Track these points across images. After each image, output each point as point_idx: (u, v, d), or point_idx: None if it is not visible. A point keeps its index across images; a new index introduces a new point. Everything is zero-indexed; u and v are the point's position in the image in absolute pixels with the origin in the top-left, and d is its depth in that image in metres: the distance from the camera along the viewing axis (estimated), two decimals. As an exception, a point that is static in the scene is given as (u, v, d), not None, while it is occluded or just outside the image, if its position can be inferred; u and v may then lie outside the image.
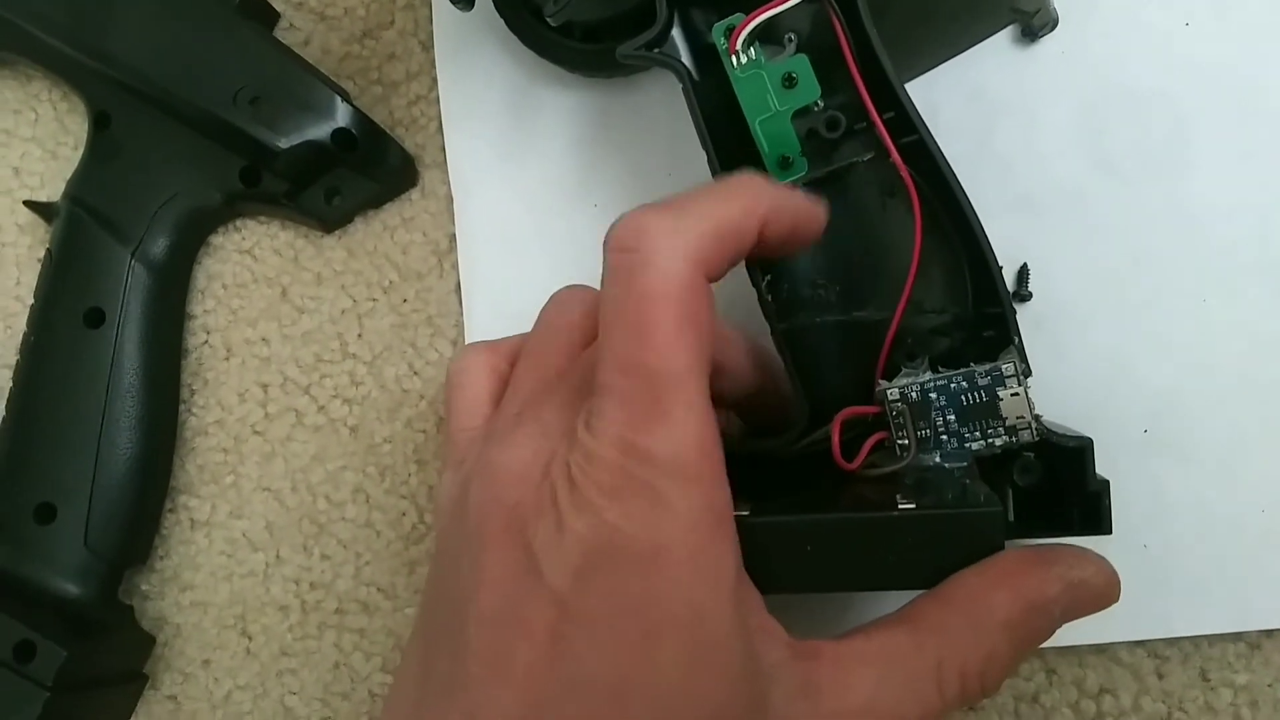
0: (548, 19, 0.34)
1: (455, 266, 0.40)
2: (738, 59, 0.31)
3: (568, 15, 0.34)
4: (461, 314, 0.40)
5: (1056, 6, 0.38)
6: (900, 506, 0.27)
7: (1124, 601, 0.35)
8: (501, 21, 0.39)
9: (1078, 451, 0.30)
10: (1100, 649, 0.36)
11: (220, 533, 0.39)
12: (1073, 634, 0.35)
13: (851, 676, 0.26)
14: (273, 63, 0.39)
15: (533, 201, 0.40)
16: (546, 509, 0.24)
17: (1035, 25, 0.38)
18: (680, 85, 0.32)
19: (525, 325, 0.38)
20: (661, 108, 0.40)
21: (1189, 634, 0.36)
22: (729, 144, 0.32)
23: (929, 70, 0.39)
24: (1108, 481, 0.30)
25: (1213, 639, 0.36)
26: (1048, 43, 0.39)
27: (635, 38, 0.32)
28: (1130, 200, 0.38)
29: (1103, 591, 0.29)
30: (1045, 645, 0.35)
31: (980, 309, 0.32)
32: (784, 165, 0.32)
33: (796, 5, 0.31)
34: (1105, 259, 0.38)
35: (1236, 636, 0.36)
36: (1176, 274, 0.37)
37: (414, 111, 0.42)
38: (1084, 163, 0.38)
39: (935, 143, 0.31)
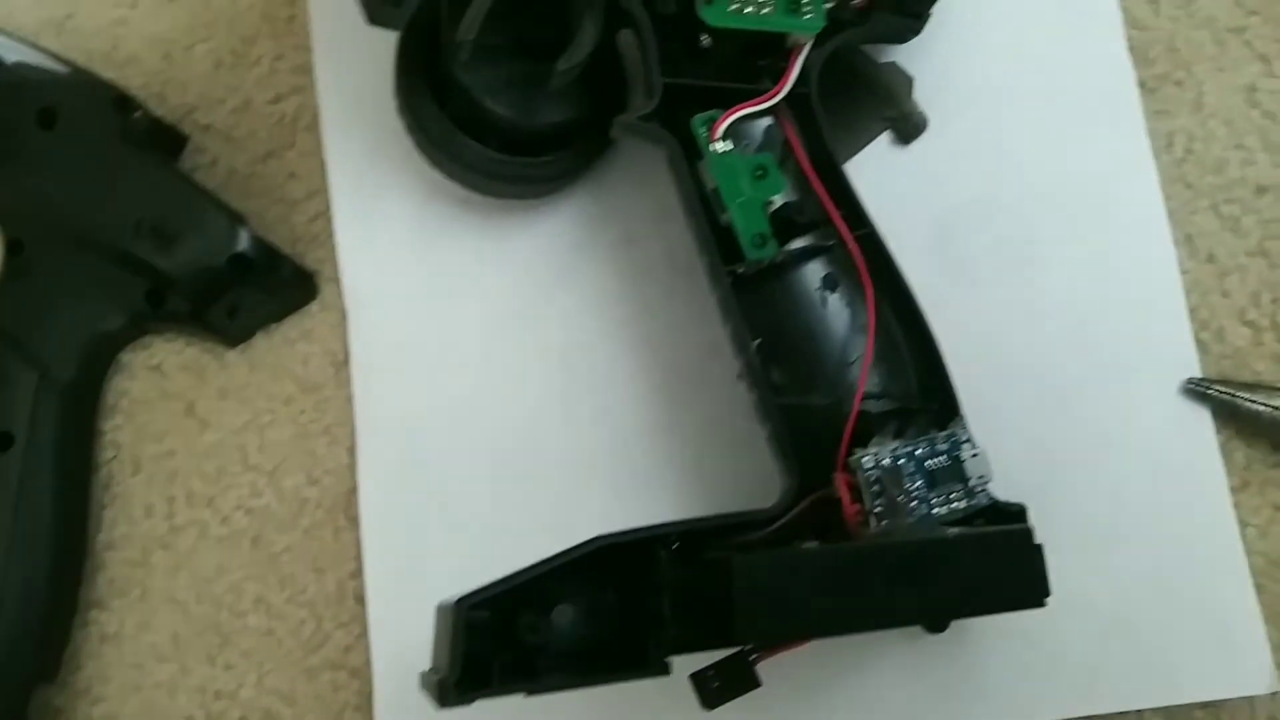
0: (557, 74, 0.36)
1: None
2: (717, 147, 0.34)
3: (569, 77, 0.36)
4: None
5: (924, 110, 0.41)
6: (950, 532, 0.29)
7: (980, 686, 0.38)
8: (399, 140, 0.40)
9: (1019, 514, 0.34)
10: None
11: (129, 645, 0.41)
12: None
13: None
14: (172, 192, 0.41)
15: (424, 315, 0.42)
16: None
17: (907, 129, 0.41)
18: (669, 163, 0.35)
19: (417, 435, 0.41)
20: (550, 228, 0.42)
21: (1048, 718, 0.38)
22: (701, 225, 0.35)
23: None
24: (1041, 546, 0.32)
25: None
26: (903, 152, 0.41)
27: (628, 112, 0.35)
28: (984, 302, 0.40)
29: None
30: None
31: (926, 386, 0.35)
32: (759, 244, 0.34)
33: (761, 111, 0.35)
34: (959, 358, 0.40)
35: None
36: (1026, 371, 0.40)
37: (314, 228, 0.44)
38: (937, 268, 0.40)
39: (882, 235, 0.35)
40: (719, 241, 0.34)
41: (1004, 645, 0.38)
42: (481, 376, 0.41)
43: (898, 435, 0.34)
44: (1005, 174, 0.41)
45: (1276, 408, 0.38)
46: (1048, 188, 0.40)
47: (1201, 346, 0.40)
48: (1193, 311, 0.40)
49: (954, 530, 0.29)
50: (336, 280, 0.43)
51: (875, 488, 0.32)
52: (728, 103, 0.35)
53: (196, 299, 0.42)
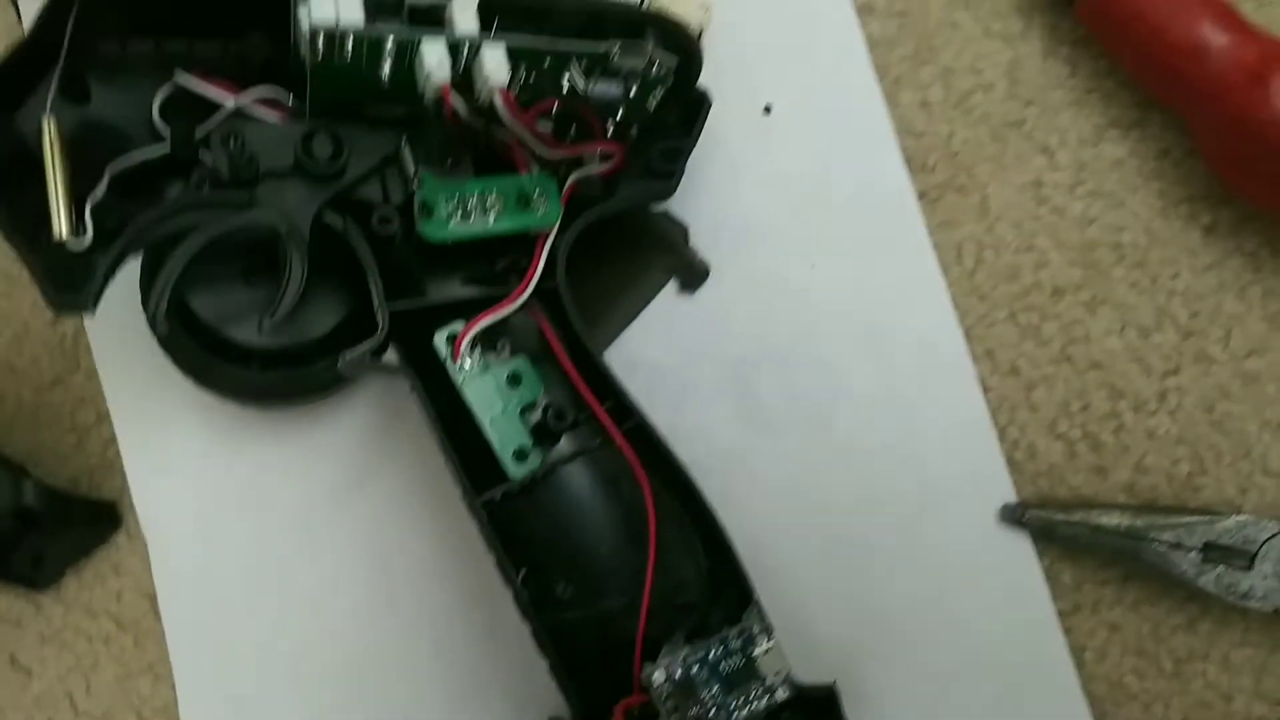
0: (261, 329, 0.35)
1: (166, 611, 0.41)
2: (461, 364, 0.33)
3: (279, 332, 0.35)
4: (177, 659, 0.41)
5: (705, 257, 0.39)
6: None
7: None
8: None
9: (828, 700, 0.32)
10: None
11: None
12: None
13: None
14: (-54, 454, 0.40)
15: (226, 534, 0.41)
16: None
17: (690, 278, 0.40)
18: (412, 391, 0.33)
19: (234, 665, 0.40)
20: (346, 423, 0.41)
21: None
22: (460, 441, 0.33)
23: (606, 348, 0.40)
24: None
25: None
26: (693, 308, 0.40)
27: (355, 347, 0.33)
28: (785, 451, 0.39)
29: None
30: None
31: (716, 574, 0.33)
32: (520, 458, 0.33)
33: (511, 314, 0.33)
34: (768, 514, 0.39)
35: None
36: (838, 518, 0.38)
37: (109, 454, 0.43)
38: (736, 421, 0.39)
39: (653, 425, 0.33)
40: (468, 468, 0.33)
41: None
42: (293, 591, 0.40)
43: (691, 637, 0.32)
44: (794, 314, 0.39)
45: (1095, 528, 0.37)
46: (838, 322, 0.39)
47: (1015, 466, 0.38)
48: (1002, 431, 0.38)
49: None
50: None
51: (669, 703, 0.31)
52: (470, 313, 0.33)
53: (-5, 554, 0.41)
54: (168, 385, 0.40)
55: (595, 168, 0.35)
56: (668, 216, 0.39)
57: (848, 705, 0.37)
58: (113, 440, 0.43)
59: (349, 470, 0.41)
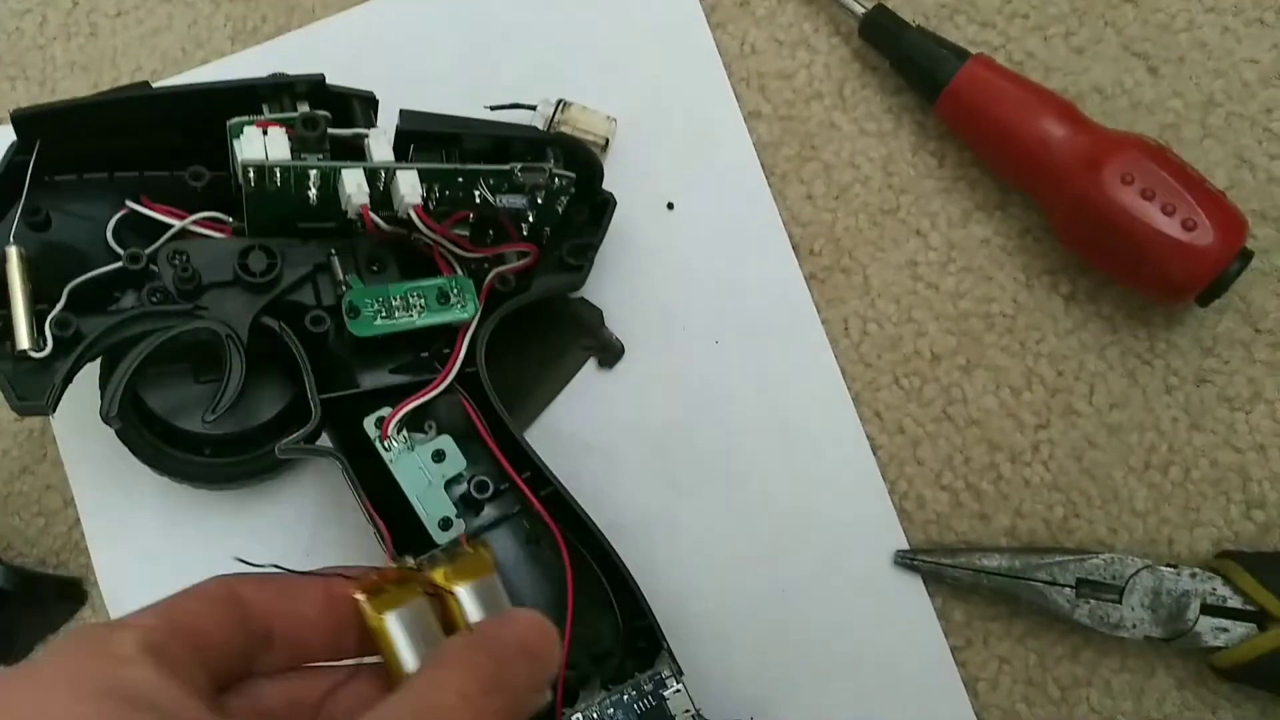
0: (204, 422, 0.37)
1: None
2: (390, 444, 0.36)
3: (226, 422, 0.38)
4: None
5: (619, 336, 0.43)
6: None
7: None
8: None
9: None
10: None
11: None
12: None
13: None
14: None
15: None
16: None
17: (606, 356, 0.43)
18: (342, 473, 0.36)
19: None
20: (295, 498, 0.44)
21: None
22: (394, 511, 0.36)
23: (533, 420, 0.44)
24: None
25: None
26: (613, 383, 0.44)
27: (289, 436, 0.36)
28: (704, 514, 0.42)
29: (538, 651, 0.29)
30: None
31: (630, 624, 0.37)
32: (445, 526, 0.36)
33: (435, 397, 0.37)
34: (689, 570, 0.42)
35: None
36: (751, 575, 0.42)
37: (74, 534, 0.46)
38: (658, 485, 0.43)
39: (568, 491, 0.37)
40: (398, 535, 0.35)
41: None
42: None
43: (607, 683, 0.36)
44: (702, 387, 0.43)
45: (978, 570, 0.40)
46: (742, 393, 0.43)
47: (906, 516, 0.42)
48: (893, 484, 0.42)
49: None
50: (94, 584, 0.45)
51: None
52: (398, 398, 0.37)
53: (-39, 639, 0.43)
54: (128, 471, 0.44)
55: (512, 264, 0.39)
56: (584, 301, 0.43)
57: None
58: (77, 523, 0.46)
59: (299, 541, 0.44)
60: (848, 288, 0.44)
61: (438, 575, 0.31)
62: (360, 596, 0.29)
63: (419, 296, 0.37)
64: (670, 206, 0.44)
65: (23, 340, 0.34)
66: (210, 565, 0.44)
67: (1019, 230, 0.43)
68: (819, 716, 0.41)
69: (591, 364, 0.44)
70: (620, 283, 0.44)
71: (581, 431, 0.44)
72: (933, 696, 0.41)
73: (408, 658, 0.28)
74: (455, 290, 0.38)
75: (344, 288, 0.36)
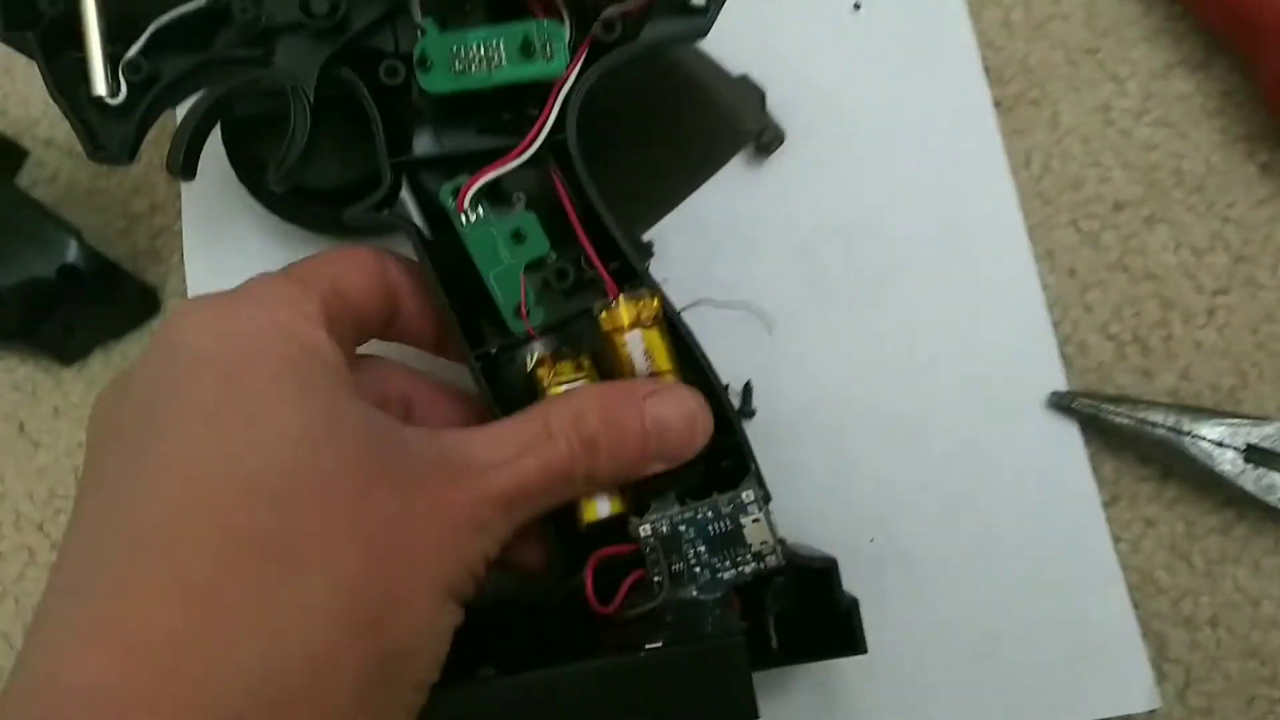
0: (271, 185, 0.34)
1: (193, 400, 0.40)
2: (466, 217, 0.32)
3: (291, 182, 0.34)
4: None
5: (781, 122, 0.40)
6: (647, 647, 0.27)
7: (854, 716, 0.36)
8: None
9: (823, 572, 0.31)
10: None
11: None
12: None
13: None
14: (3, 203, 0.39)
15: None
16: None
17: (766, 142, 0.41)
18: (412, 244, 0.32)
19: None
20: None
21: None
22: (469, 296, 0.32)
23: (677, 206, 0.41)
24: (856, 600, 0.30)
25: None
26: (765, 174, 0.41)
27: (359, 202, 0.32)
28: (849, 321, 0.39)
29: (684, 439, 0.30)
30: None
31: (716, 439, 0.32)
32: (520, 314, 0.32)
33: (522, 166, 0.32)
34: (828, 377, 0.39)
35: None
36: (895, 389, 0.39)
37: (157, 243, 0.42)
38: (799, 285, 0.40)
39: (660, 289, 0.32)
40: (468, 322, 0.32)
41: (870, 677, 0.36)
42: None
43: (684, 498, 0.32)
44: (863, 193, 0.40)
45: (1141, 420, 0.37)
46: (908, 205, 0.40)
47: (1066, 360, 0.39)
48: (1056, 326, 0.39)
49: (650, 649, 0.27)
50: (179, 296, 0.41)
51: (652, 555, 0.30)
52: (479, 165, 0.32)
53: (26, 314, 0.39)
54: (237, 198, 0.40)
55: (621, 4, 0.32)
56: (748, 80, 0.41)
57: (883, 562, 0.37)
58: (162, 232, 0.43)
59: None
60: (1035, 121, 0.41)
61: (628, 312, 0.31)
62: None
63: (501, 46, 0.32)
64: (856, 7, 0.42)
65: (98, 85, 0.31)
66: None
67: (1220, 91, 0.41)
68: (942, 547, 0.37)
69: (742, 154, 0.41)
70: (791, 73, 0.41)
71: (722, 216, 0.40)
72: (1074, 548, 0.37)
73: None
74: (542, 39, 0.32)
75: (420, 33, 0.31)
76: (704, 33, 0.34)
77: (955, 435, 0.38)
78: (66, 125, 0.42)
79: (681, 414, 0.30)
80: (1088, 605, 0.37)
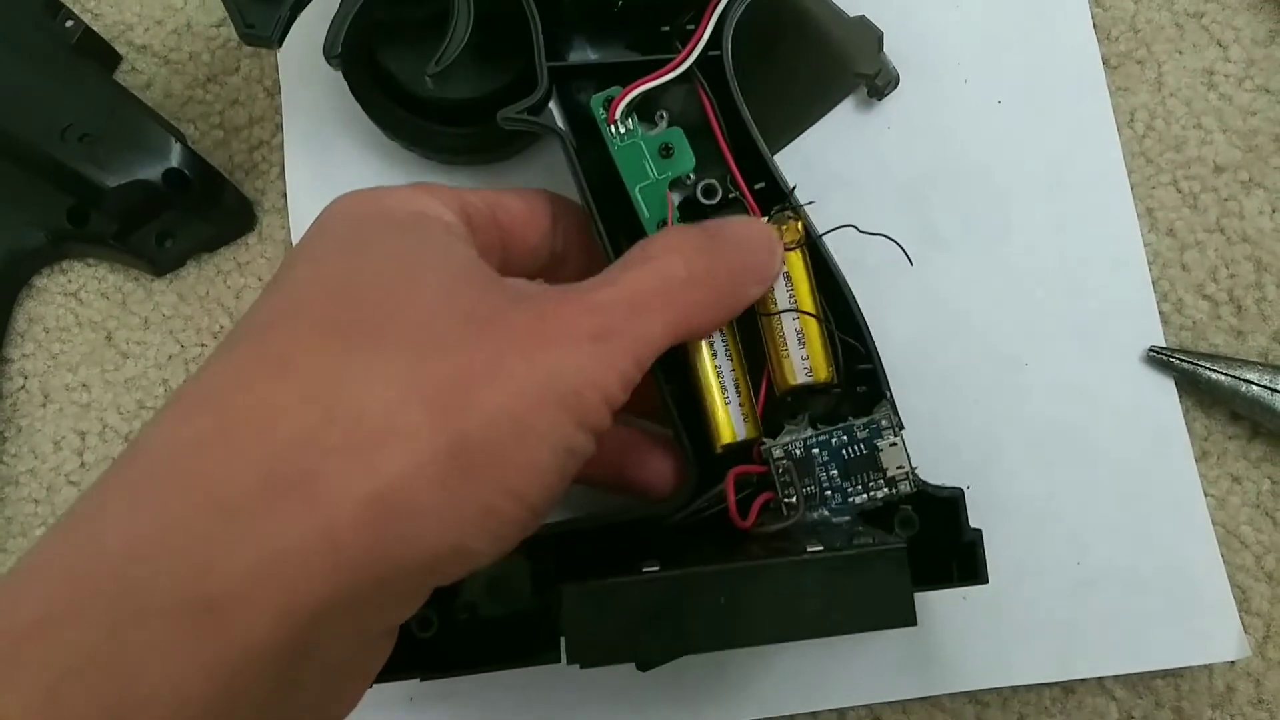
0: (427, 77, 0.33)
1: (290, 313, 0.39)
2: (616, 129, 0.32)
3: (438, 86, 0.34)
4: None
5: (896, 65, 0.41)
6: (809, 550, 0.27)
7: (949, 653, 0.36)
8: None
9: (951, 501, 0.31)
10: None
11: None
12: (900, 688, 0.36)
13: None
14: (106, 101, 0.38)
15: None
16: None
17: (879, 85, 0.41)
18: (561, 152, 0.32)
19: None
20: (518, 174, 0.40)
21: (1012, 684, 0.37)
22: (608, 211, 0.32)
23: (788, 145, 0.41)
24: (980, 531, 0.31)
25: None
26: (876, 119, 0.41)
27: (514, 104, 0.32)
28: (954, 268, 0.40)
29: (766, 249, 0.31)
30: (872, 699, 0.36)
31: (852, 367, 0.32)
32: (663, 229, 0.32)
33: (670, 82, 0.32)
34: (931, 322, 0.39)
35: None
36: (997, 337, 0.39)
37: (255, 156, 0.42)
38: (908, 230, 0.40)
39: (805, 211, 0.32)
40: (611, 236, 0.32)
41: (962, 617, 0.37)
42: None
43: (817, 422, 0.32)
44: (973, 142, 0.40)
45: (1236, 377, 0.38)
46: (1017, 156, 0.40)
47: (1162, 317, 0.40)
48: (1154, 283, 0.40)
49: (812, 551, 0.27)
50: (276, 212, 0.41)
51: (785, 477, 0.31)
52: (632, 77, 0.32)
53: (124, 218, 0.39)
54: (346, 102, 0.40)
55: None
56: (865, 21, 0.41)
57: (978, 507, 0.37)
58: (260, 145, 0.42)
59: None
60: (1140, 80, 0.42)
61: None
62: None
63: None
64: (973, -43, 0.42)
65: None
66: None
67: (1323, 63, 0.42)
68: (1038, 493, 0.38)
69: (853, 97, 0.41)
70: (907, 17, 0.41)
71: (833, 158, 0.41)
72: (1166, 499, 0.38)
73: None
74: None
75: None
76: None
77: (1055, 385, 0.39)
78: (162, 30, 0.42)
79: (755, 229, 0.31)
80: (1179, 555, 0.38)
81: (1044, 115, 0.41)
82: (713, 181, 0.32)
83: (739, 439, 0.31)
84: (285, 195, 0.40)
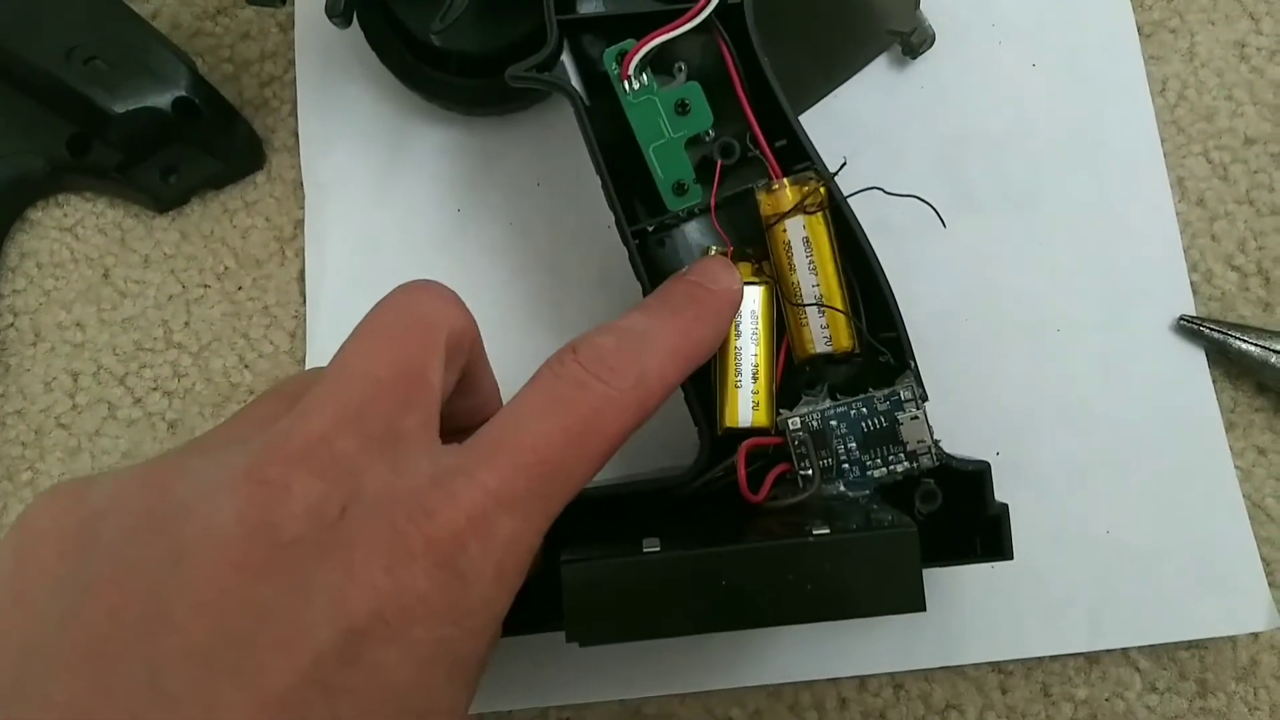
0: (432, 35, 0.32)
1: (300, 254, 0.38)
2: (630, 84, 0.30)
3: (451, 39, 0.32)
4: (303, 304, 0.37)
5: (931, 23, 0.40)
6: (815, 533, 0.25)
7: (973, 623, 0.36)
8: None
9: (976, 475, 0.30)
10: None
11: (11, 531, 0.35)
12: (923, 657, 0.35)
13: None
14: (114, 22, 0.37)
15: (390, 198, 0.39)
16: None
17: (914, 43, 0.40)
18: (572, 109, 0.31)
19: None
20: (535, 125, 0.39)
21: (1036, 654, 0.36)
22: (623, 171, 0.31)
23: (816, 103, 0.40)
24: (1006, 505, 0.29)
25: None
26: (909, 78, 0.40)
27: (522, 62, 0.31)
28: (986, 232, 0.39)
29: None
30: (894, 667, 0.34)
31: (875, 334, 0.31)
32: (679, 191, 0.31)
33: (687, 33, 0.30)
34: (962, 287, 0.38)
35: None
36: (1028, 303, 0.38)
37: (266, 93, 0.40)
38: (941, 191, 0.39)
39: (828, 170, 0.31)
40: (621, 197, 0.30)
41: (990, 587, 0.36)
42: (438, 271, 0.38)
43: (836, 393, 0.31)
44: (1008, 105, 0.40)
45: (1266, 348, 0.38)
46: (1051, 120, 0.40)
47: (1192, 287, 0.39)
48: (1184, 252, 0.39)
49: (818, 534, 0.26)
50: (286, 151, 0.39)
51: (801, 449, 0.30)
52: (644, 30, 0.30)
53: (129, 148, 0.37)
54: (360, 43, 0.38)
55: None
56: (902, -21, 0.40)
57: (1005, 474, 0.37)
58: (271, 81, 0.40)
59: (522, 186, 0.39)
60: (1172, 49, 0.41)
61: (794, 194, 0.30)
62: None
63: None
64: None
65: None
66: (419, 171, 0.39)
67: (1352, 39, 0.42)
68: (1068, 461, 0.37)
69: (887, 56, 0.40)
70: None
71: (864, 117, 0.40)
72: (1195, 469, 0.38)
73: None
74: None
75: None
76: None
77: (1085, 352, 0.38)
78: (173, -43, 0.40)
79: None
80: (1208, 526, 0.37)
81: (1079, 80, 0.40)
82: (731, 140, 0.31)
83: (741, 425, 0.30)
84: (296, 134, 0.39)
